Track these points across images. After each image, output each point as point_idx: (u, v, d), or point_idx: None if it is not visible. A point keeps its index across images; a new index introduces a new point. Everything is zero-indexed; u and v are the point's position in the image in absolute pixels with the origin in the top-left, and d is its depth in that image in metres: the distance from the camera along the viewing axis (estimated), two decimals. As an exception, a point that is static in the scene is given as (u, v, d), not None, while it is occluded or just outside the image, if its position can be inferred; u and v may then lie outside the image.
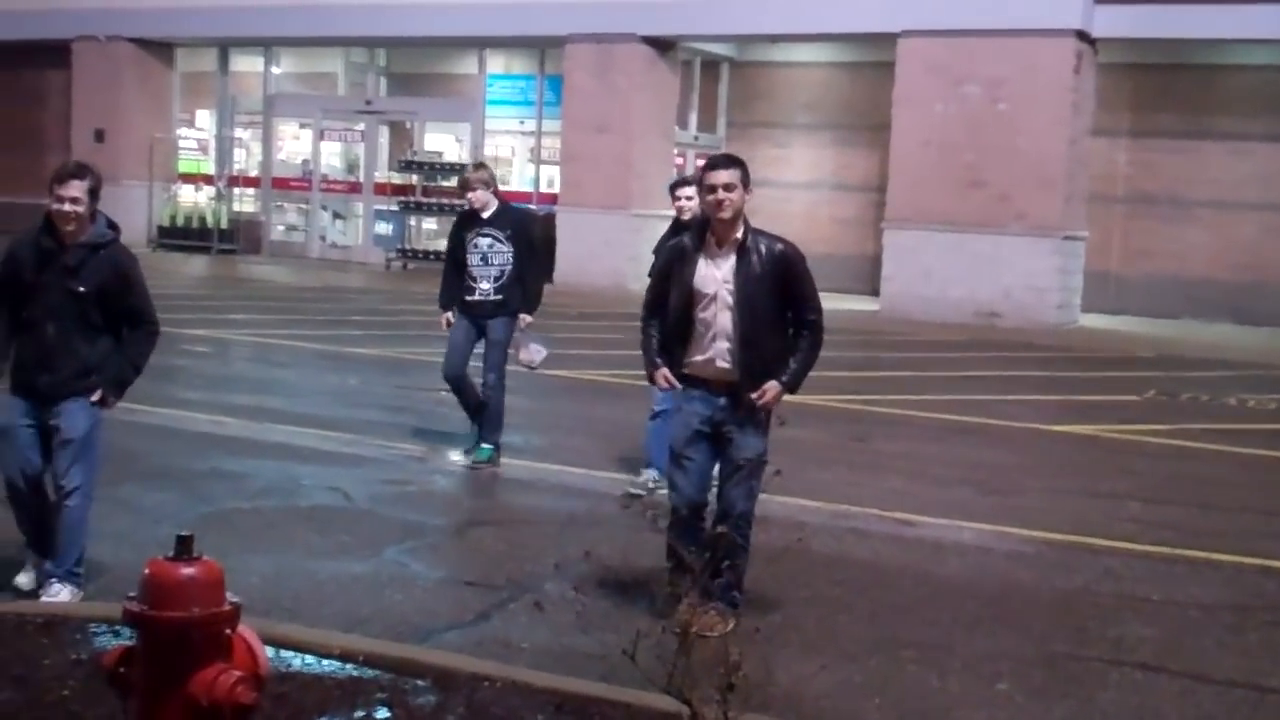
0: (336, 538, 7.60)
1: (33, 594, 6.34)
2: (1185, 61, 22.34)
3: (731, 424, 6.15)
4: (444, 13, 24.63)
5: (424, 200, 26.13)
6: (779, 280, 6.07)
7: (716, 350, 6.14)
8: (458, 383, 9.48)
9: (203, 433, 10.38)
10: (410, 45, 27.36)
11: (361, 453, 9.76)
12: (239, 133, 29.48)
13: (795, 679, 5.39)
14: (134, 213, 28.28)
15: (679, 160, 24.91)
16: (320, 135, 27.87)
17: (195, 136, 30.07)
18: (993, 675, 5.79)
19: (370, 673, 5.10)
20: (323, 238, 27.93)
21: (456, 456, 9.77)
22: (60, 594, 6.28)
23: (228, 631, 3.40)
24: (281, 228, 28.56)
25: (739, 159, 6.29)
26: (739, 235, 6.08)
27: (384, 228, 26.57)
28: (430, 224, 26.92)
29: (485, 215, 9.40)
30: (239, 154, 29.56)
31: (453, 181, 26.22)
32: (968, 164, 20.74)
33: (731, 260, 6.09)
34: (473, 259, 9.39)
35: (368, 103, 27.48)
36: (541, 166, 26.45)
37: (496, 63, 27.12)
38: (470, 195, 9.49)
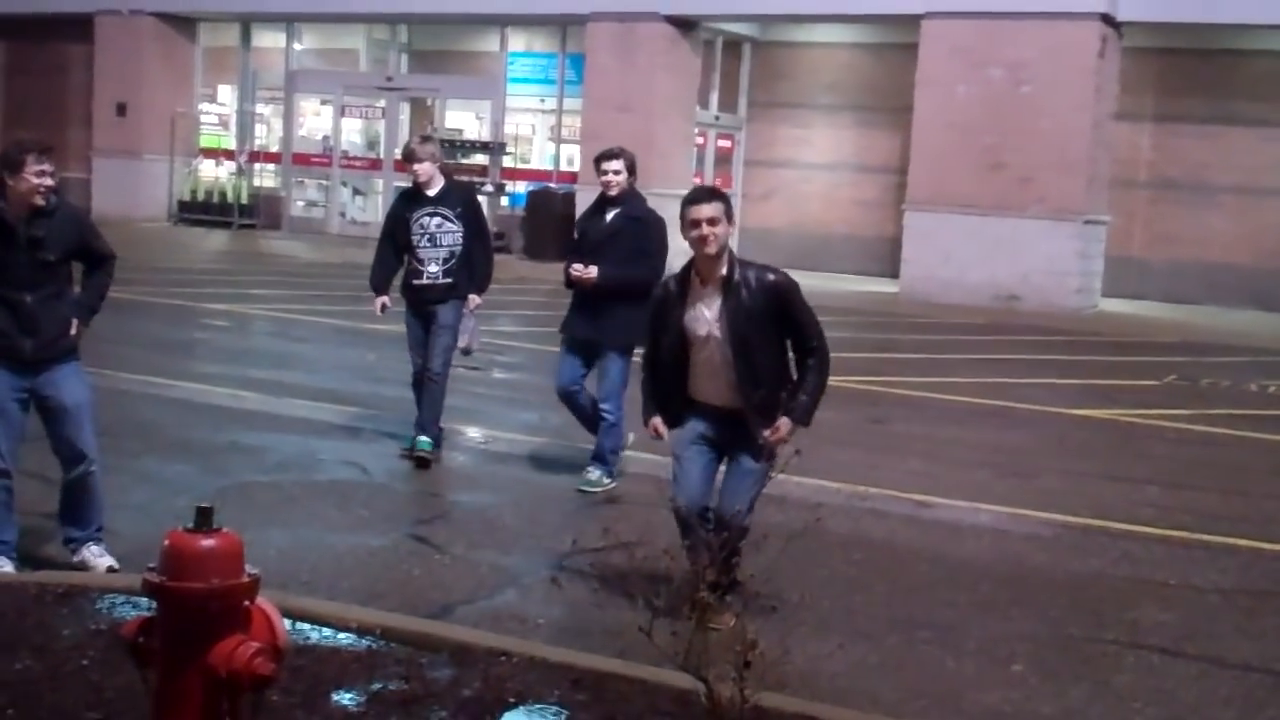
0: (354, 512, 7.62)
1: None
2: (1210, 46, 22.20)
3: (739, 440, 5.97)
4: (466, -10, 24.62)
5: (466, 179, 26.07)
6: (773, 313, 5.88)
7: (716, 390, 5.98)
8: (425, 378, 8.88)
9: (221, 406, 10.41)
10: (433, 22, 27.33)
11: (380, 428, 9.75)
12: (260, 108, 29.53)
13: (811, 658, 5.39)
14: (155, 187, 28.43)
15: (700, 140, 24.87)
16: (341, 111, 27.87)
17: (216, 111, 30.11)
18: (1008, 657, 5.79)
19: (387, 646, 5.13)
20: (343, 214, 27.95)
21: (475, 433, 9.79)
22: (104, 555, 6.36)
23: (246, 603, 3.41)
24: (302, 203, 28.59)
25: (720, 191, 6.18)
26: (724, 271, 5.86)
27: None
28: (450, 201, 26.86)
29: (431, 192, 8.74)
30: (260, 129, 29.61)
31: (474, 159, 26.29)
32: (989, 146, 20.66)
33: (719, 299, 5.89)
34: (419, 240, 8.73)
35: (389, 79, 27.46)
36: (562, 145, 26.42)
37: (518, 40, 27.08)
38: (416, 168, 8.70)
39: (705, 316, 5.89)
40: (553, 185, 25.67)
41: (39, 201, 6.04)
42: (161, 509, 7.43)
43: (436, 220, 8.74)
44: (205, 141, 29.55)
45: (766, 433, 5.80)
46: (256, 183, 28.75)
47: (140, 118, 28.12)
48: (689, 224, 5.82)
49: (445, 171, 8.95)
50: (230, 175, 28.90)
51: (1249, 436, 11.35)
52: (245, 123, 29.22)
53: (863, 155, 25.00)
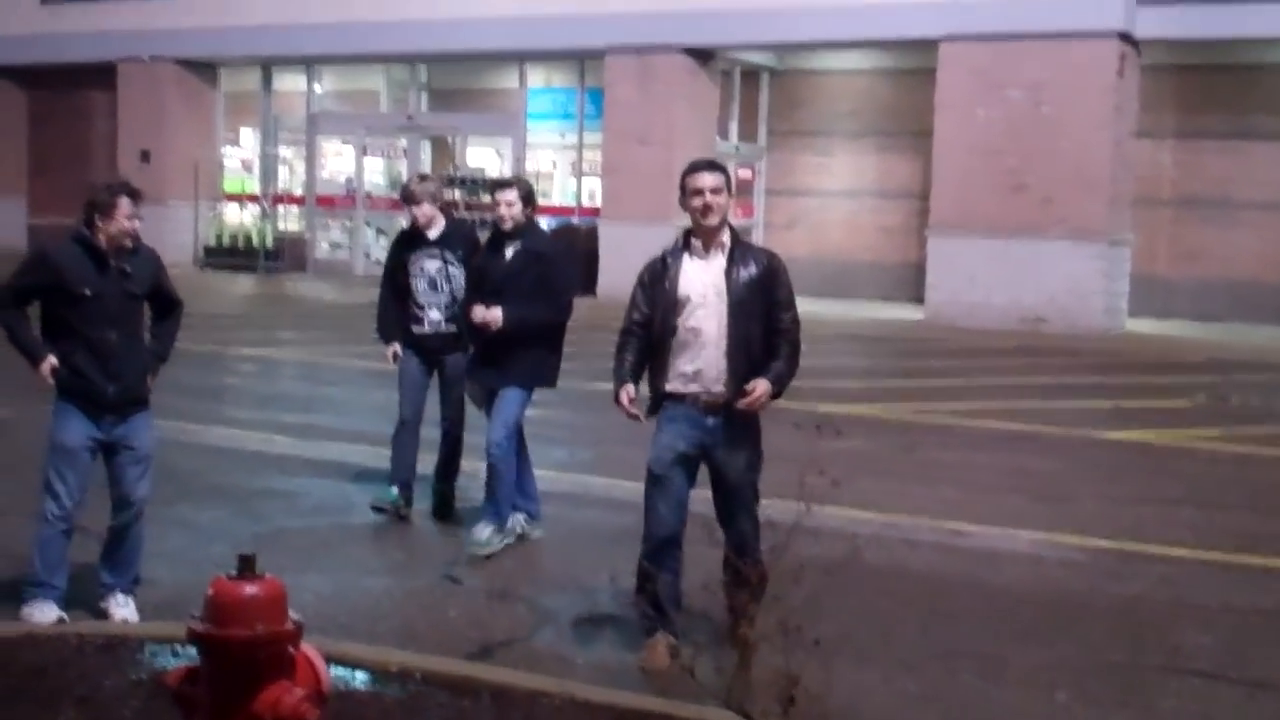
0: (390, 555, 7.65)
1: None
2: (1230, 61, 22.15)
3: (722, 447, 5.86)
4: (484, 27, 24.73)
5: (466, 215, 26.20)
6: (764, 285, 5.82)
7: (705, 360, 5.82)
8: (414, 429, 8.47)
9: (254, 451, 10.45)
10: (451, 61, 27.46)
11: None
12: (282, 151, 29.70)
13: (852, 690, 5.36)
14: (180, 232, 28.58)
15: (720, 171, 24.87)
16: (363, 152, 28.02)
17: (239, 155, 30.33)
18: (1050, 685, 5.76)
19: (428, 690, 5.13)
20: (367, 254, 28.04)
21: (484, 469, 9.71)
22: (128, 607, 6.40)
23: (291, 649, 3.42)
24: (326, 245, 28.72)
25: (720, 163, 6.14)
26: (725, 239, 5.87)
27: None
28: (473, 239, 26.96)
29: (432, 235, 8.30)
30: (282, 172, 29.78)
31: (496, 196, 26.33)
32: (1011, 168, 20.65)
33: (721, 262, 5.83)
34: (418, 284, 8.29)
35: (409, 118, 27.61)
36: (583, 179, 26.51)
37: (537, 77, 27.20)
38: (415, 210, 8.29)
39: (704, 279, 5.83)
40: (575, 220, 25.74)
41: (127, 244, 6.20)
42: (198, 555, 7.47)
43: (436, 264, 8.29)
44: (229, 186, 29.74)
45: (741, 400, 5.73)
46: (281, 226, 28.91)
47: (164, 164, 28.32)
48: (691, 193, 5.82)
49: (447, 212, 8.57)
50: (254, 219, 29.08)
51: (1283, 455, 11.30)
52: (268, 166, 29.40)
53: (884, 181, 25.01)
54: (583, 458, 10.43)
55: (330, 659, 4.65)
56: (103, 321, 6.17)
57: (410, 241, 8.45)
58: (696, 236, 5.91)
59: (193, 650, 5.47)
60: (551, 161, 27.97)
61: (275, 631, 3.37)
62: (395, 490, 8.32)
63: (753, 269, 5.84)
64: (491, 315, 7.54)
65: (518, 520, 7.87)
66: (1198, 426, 12.37)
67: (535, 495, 8.10)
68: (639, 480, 9.36)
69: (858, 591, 6.85)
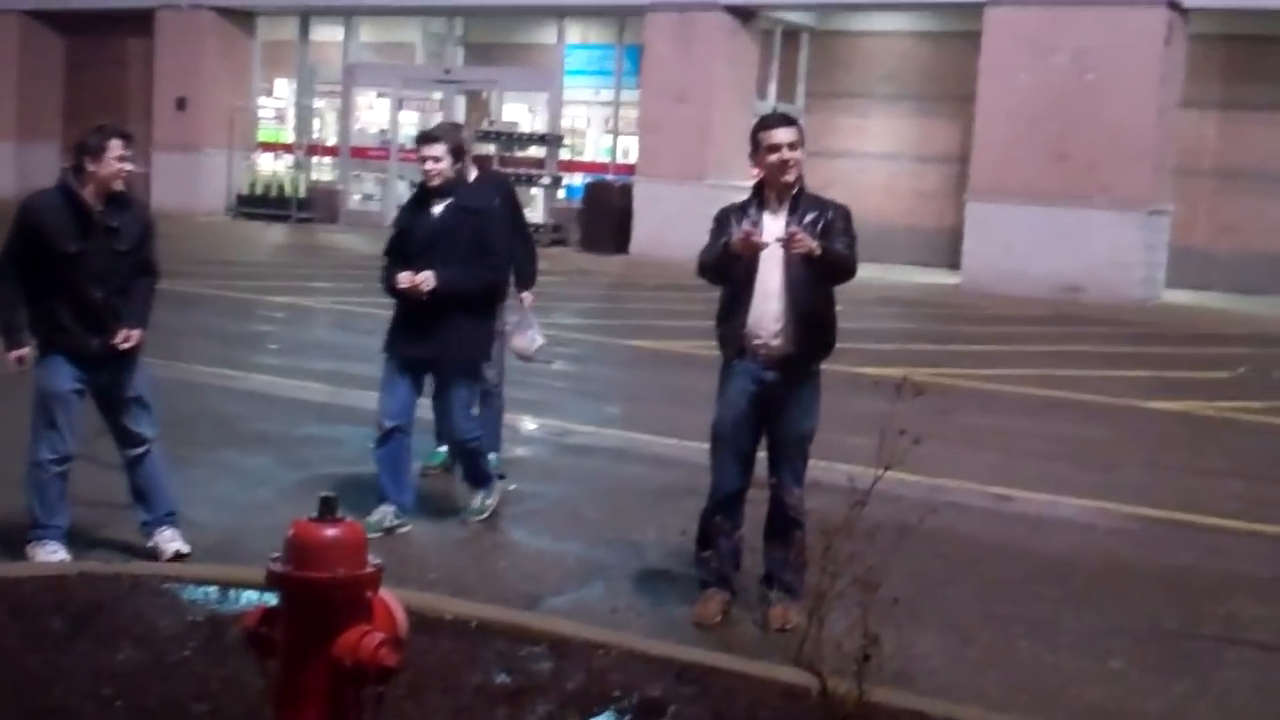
0: (435, 504, 7.61)
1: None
2: (1277, 32, 21.88)
3: (778, 402, 5.84)
4: (523, -18, 24.64)
5: (501, 170, 26.11)
6: (824, 232, 5.67)
7: (765, 312, 5.76)
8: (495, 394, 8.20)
9: (293, 399, 10.44)
10: (489, 14, 27.37)
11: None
12: (317, 102, 29.63)
13: (909, 655, 5.31)
14: (214, 180, 28.59)
15: (758, 131, 24.74)
16: (399, 105, 27.93)
17: (273, 106, 30.28)
18: (1105, 652, 5.71)
19: (485, 639, 5.11)
20: (399, 206, 27.95)
21: (531, 425, 9.73)
22: (175, 539, 6.38)
23: (370, 594, 3.39)
24: (358, 197, 28.69)
25: (793, 117, 6.02)
26: (794, 191, 5.79)
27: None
28: (507, 193, 26.90)
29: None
30: (316, 123, 29.72)
31: (530, 151, 26.27)
32: (1053, 135, 20.45)
33: (783, 215, 5.75)
34: None
35: (446, 72, 27.51)
36: (619, 137, 26.39)
37: (574, 32, 27.05)
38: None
39: (772, 231, 5.72)
40: (610, 177, 25.64)
41: (118, 187, 6.09)
42: (244, 500, 7.48)
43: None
44: (262, 136, 29.71)
45: (789, 236, 5.55)
46: (314, 176, 28.87)
47: (199, 112, 28.30)
48: (766, 149, 5.72)
49: (481, 164, 8.22)
50: (288, 169, 29.06)
51: (1328, 429, 11.19)
52: (303, 117, 29.33)
53: (922, 145, 24.84)
54: (624, 413, 10.40)
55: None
56: (88, 279, 6.05)
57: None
58: (770, 190, 5.84)
59: (242, 593, 5.55)
60: (586, 118, 27.85)
61: (355, 575, 3.33)
62: (444, 451, 8.12)
63: (813, 217, 5.76)
64: (421, 279, 6.79)
65: (387, 514, 7.01)
66: (1240, 399, 12.26)
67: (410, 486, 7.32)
68: (680, 437, 9.46)
69: (906, 554, 6.80)
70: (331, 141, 29.15)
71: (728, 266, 5.79)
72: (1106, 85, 20.18)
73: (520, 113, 27.98)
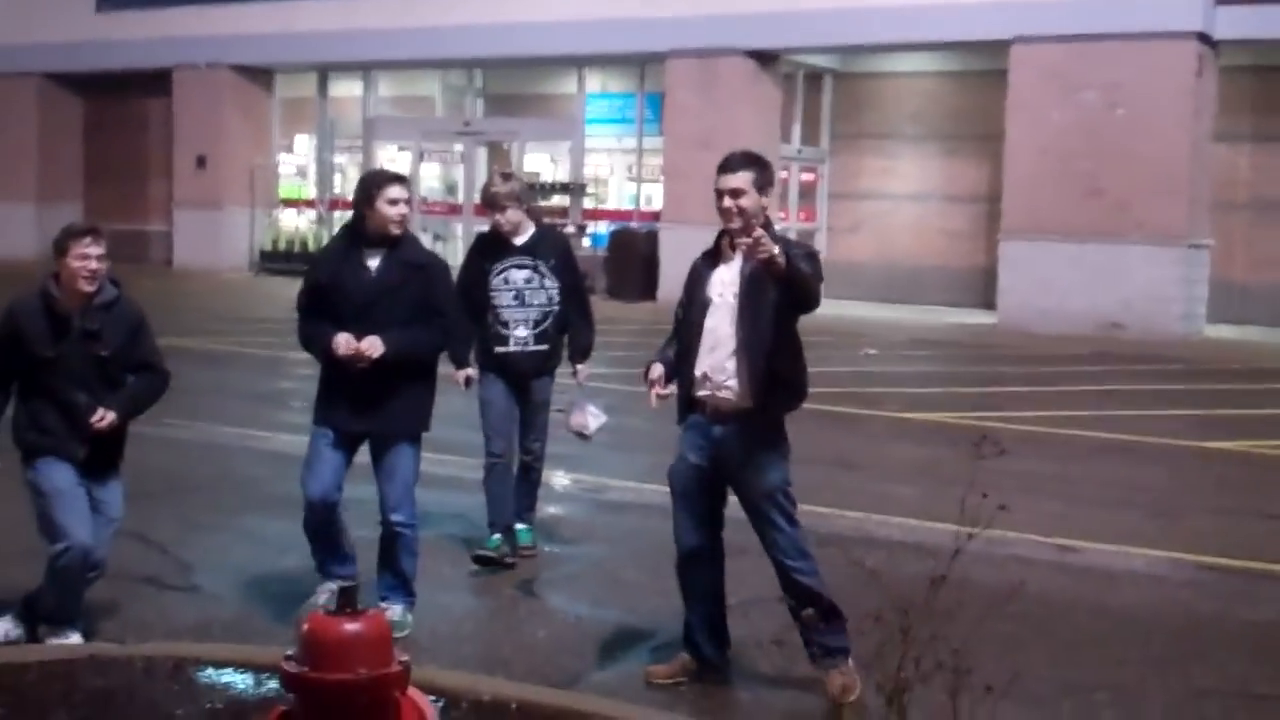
0: (467, 568, 7.22)
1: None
2: (1310, 62, 21.51)
3: (732, 460, 5.43)
4: (543, 32, 24.42)
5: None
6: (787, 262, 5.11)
7: (715, 362, 5.38)
8: (508, 466, 7.47)
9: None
10: (509, 65, 27.15)
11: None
12: (338, 157, 29.48)
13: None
14: (236, 237, 28.42)
15: (783, 174, 24.43)
16: (420, 157, 27.74)
17: (294, 162, 30.15)
18: (1199, 720, 5.27)
19: (526, 723, 4.70)
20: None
21: (564, 480, 9.34)
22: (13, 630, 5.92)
23: (397, 694, 3.00)
24: (381, 250, 28.40)
25: (756, 157, 5.49)
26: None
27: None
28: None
29: (519, 241, 7.34)
30: (337, 179, 29.55)
31: (553, 201, 26.00)
32: (1086, 172, 20.07)
33: (737, 262, 5.31)
34: (502, 298, 7.29)
35: (466, 124, 27.31)
36: (641, 184, 26.12)
37: (595, 81, 26.84)
38: (498, 215, 7.28)
39: (725, 279, 5.35)
40: (634, 224, 25.34)
41: (89, 287, 5.74)
42: (265, 569, 7.13)
43: (525, 274, 7.32)
44: (284, 192, 29.56)
45: (744, 238, 5.03)
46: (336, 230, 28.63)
47: (220, 170, 28.16)
48: (716, 193, 5.36)
49: (535, 216, 7.57)
50: (310, 224, 28.87)
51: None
52: (324, 172, 29.17)
53: (950, 185, 24.46)
54: (661, 467, 9.94)
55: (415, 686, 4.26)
56: (68, 383, 5.78)
57: (491, 250, 7.39)
58: (725, 239, 5.43)
59: (263, 679, 5.15)
60: (609, 166, 27.61)
61: (379, 675, 2.94)
62: (498, 537, 7.33)
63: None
64: (367, 345, 5.93)
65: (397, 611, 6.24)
66: (1298, 437, 11.79)
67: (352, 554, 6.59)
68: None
69: (971, 615, 6.37)
70: (352, 196, 28.89)
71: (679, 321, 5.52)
72: (1138, 120, 19.80)
73: (542, 162, 27.75)
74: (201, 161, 28.20)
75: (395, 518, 6.32)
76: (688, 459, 5.55)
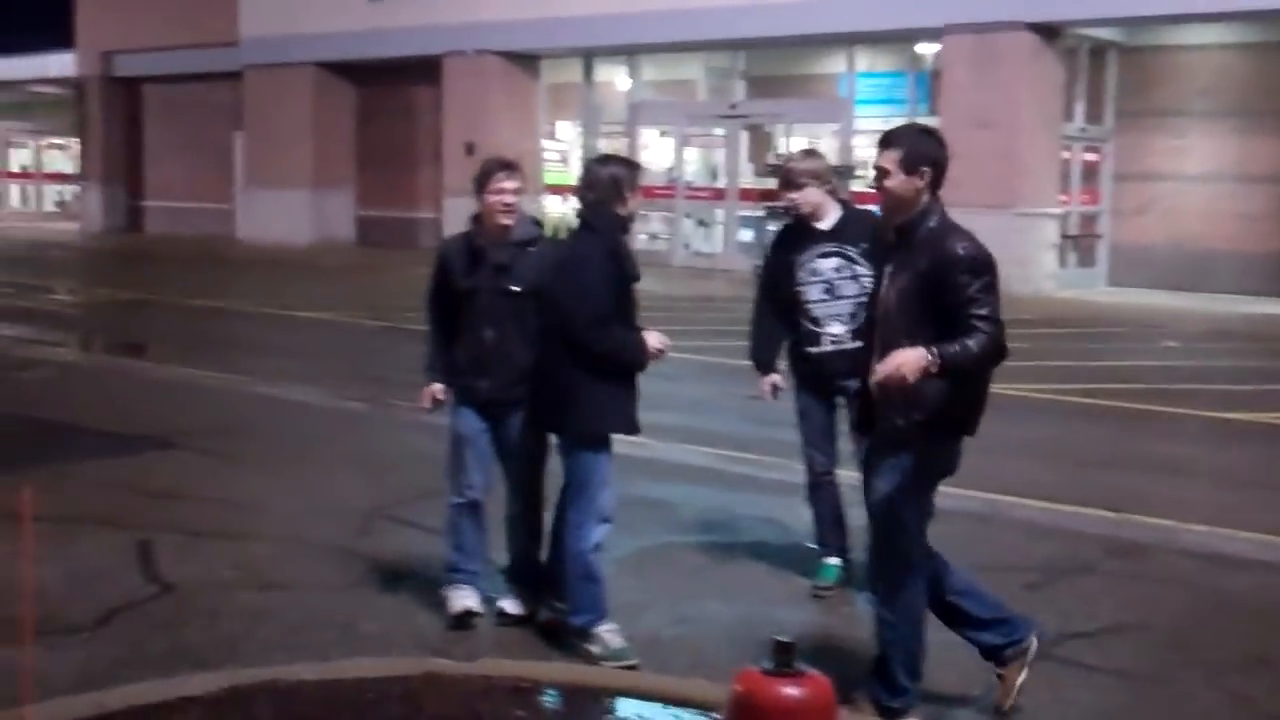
0: (792, 580, 6.80)
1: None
2: None
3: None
4: (811, 10, 23.88)
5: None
6: None
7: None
8: (828, 484, 6.73)
9: (622, 454, 9.74)
10: (774, 46, 26.65)
11: (791, 478, 8.14)
12: (600, 143, 29.45)
13: None
14: (503, 224, 28.65)
15: (1065, 154, 23.36)
16: (684, 142, 27.49)
17: (555, 148, 30.28)
18: None
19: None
20: (686, 245, 27.58)
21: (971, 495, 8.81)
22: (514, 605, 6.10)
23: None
24: (644, 236, 28.30)
25: (911, 129, 5.23)
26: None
27: (747, 235, 26.02)
28: (796, 230, 26.18)
29: (824, 226, 6.54)
30: (600, 165, 29.53)
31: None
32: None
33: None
34: (810, 292, 6.50)
35: (732, 106, 26.92)
36: (913, 166, 25.31)
37: (862, 60, 26.13)
38: (795, 196, 6.52)
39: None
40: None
41: (504, 221, 5.90)
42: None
43: (834, 262, 6.49)
44: (547, 178, 29.70)
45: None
46: (598, 216, 28.64)
47: (488, 156, 28.34)
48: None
49: (839, 197, 6.74)
50: (574, 210, 28.88)
51: None
52: (590, 157, 29.13)
53: (1245, 165, 22.97)
54: (979, 470, 9.38)
55: None
56: (478, 318, 5.95)
57: (795, 238, 6.62)
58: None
59: (614, 704, 4.84)
60: (874, 149, 26.83)
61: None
62: (834, 563, 6.68)
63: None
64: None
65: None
66: None
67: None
68: (1051, 499, 8.39)
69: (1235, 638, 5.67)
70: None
71: None
72: None
73: (804, 145, 27.19)
74: (470, 148, 28.48)
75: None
76: None
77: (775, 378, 6.80)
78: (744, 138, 27.30)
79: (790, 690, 2.60)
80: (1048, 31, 22.20)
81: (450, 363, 6.07)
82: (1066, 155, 23.42)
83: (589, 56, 28.80)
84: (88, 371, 14.01)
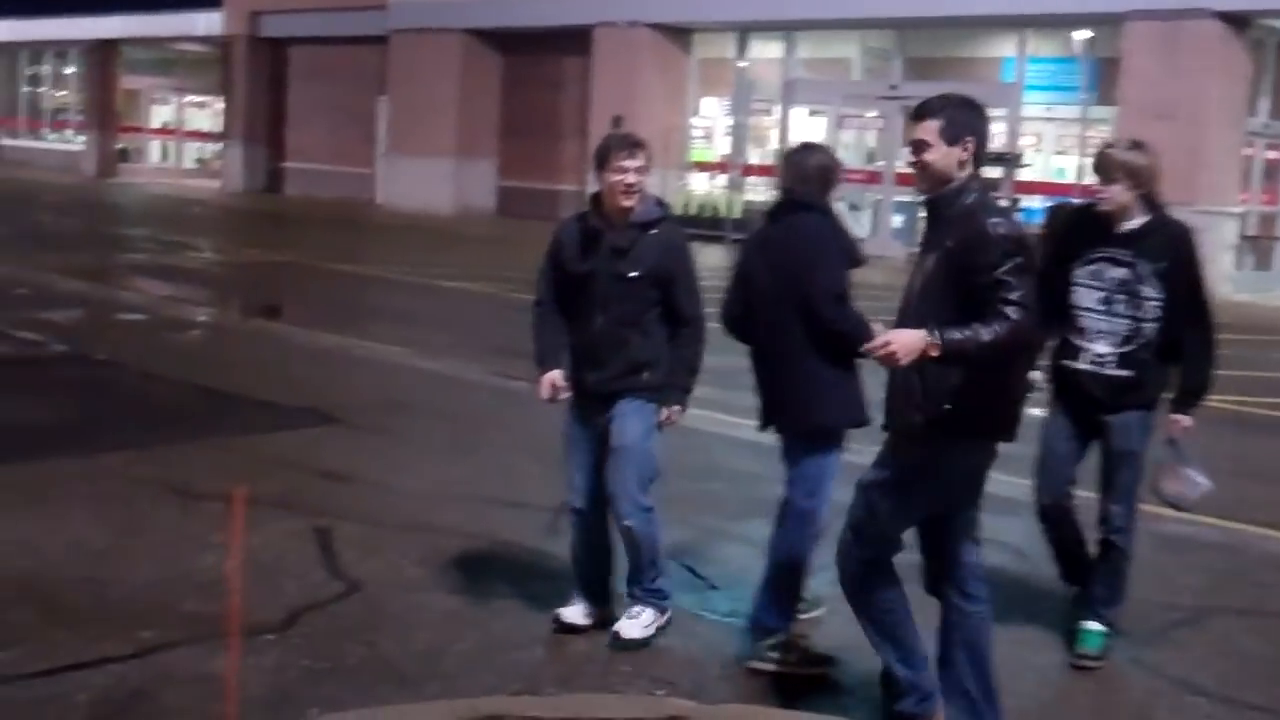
0: (1039, 616, 6.06)
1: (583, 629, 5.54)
2: None
3: None
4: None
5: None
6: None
7: None
8: (1058, 515, 5.86)
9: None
10: (938, 26, 25.70)
11: (1016, 496, 7.14)
12: (748, 121, 28.75)
13: None
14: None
15: (1248, 150, 22.17)
16: (838, 123, 26.66)
17: (701, 124, 29.61)
18: None
19: None
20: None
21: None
22: (641, 615, 5.49)
23: None
24: (794, 218, 27.55)
25: (951, 98, 4.50)
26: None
27: (900, 220, 25.16)
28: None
29: (1124, 229, 5.56)
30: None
31: (994, 172, 24.46)
32: None
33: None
34: (1084, 297, 5.59)
35: (893, 87, 25.99)
36: (1084, 157, 24.27)
37: (1032, 44, 25.08)
38: (1106, 192, 5.55)
39: None
40: (1074, 200, 23.51)
41: (627, 202, 5.40)
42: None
43: (1123, 272, 5.53)
44: (693, 155, 29.06)
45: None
46: (747, 196, 27.96)
47: (635, 130, 27.53)
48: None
49: (1152, 200, 5.60)
50: (720, 189, 28.26)
51: None
52: (740, 135, 28.46)
53: None
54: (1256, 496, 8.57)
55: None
56: (589, 303, 5.49)
57: (1089, 230, 5.66)
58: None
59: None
60: (1040, 136, 25.86)
61: None
62: (1098, 628, 5.72)
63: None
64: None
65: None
66: None
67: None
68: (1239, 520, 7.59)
69: None
70: (757, 161, 28.14)
71: None
72: None
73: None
74: (617, 121, 27.84)
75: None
76: None
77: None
78: (900, 121, 26.38)
79: None
80: (1237, 21, 21.05)
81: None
82: (1249, 152, 22.23)
83: (744, 32, 28.06)
84: (239, 335, 13.68)
